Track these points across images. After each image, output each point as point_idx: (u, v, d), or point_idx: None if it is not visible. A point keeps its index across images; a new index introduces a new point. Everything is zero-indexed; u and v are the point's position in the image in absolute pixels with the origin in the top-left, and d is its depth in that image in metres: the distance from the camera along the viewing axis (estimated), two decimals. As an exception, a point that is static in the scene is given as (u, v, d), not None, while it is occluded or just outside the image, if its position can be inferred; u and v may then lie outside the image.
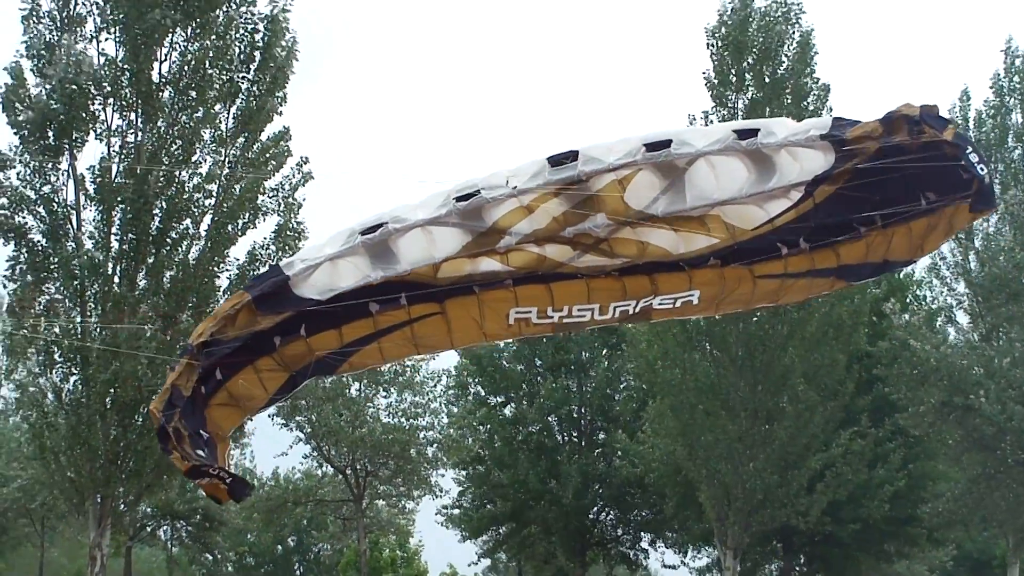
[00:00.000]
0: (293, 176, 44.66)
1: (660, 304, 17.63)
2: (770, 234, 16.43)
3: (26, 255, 41.26)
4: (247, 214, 43.59)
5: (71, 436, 41.45)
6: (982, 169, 14.02)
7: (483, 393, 67.50)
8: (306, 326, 16.64)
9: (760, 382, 49.14)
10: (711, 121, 50.43)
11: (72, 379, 42.11)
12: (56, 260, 41.27)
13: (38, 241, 41.39)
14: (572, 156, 15.94)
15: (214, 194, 43.25)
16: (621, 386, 65.24)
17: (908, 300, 56.07)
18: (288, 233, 44.26)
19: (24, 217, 41.20)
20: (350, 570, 70.26)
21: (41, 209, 41.30)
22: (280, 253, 44.03)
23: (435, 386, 63.57)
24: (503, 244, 16.24)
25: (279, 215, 44.38)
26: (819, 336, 48.53)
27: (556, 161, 15.83)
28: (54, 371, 42.31)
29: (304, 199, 44.82)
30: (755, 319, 48.66)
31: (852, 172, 14.94)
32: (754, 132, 15.31)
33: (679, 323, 49.74)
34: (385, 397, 61.26)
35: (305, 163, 44.66)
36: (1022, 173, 53.55)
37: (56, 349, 41.73)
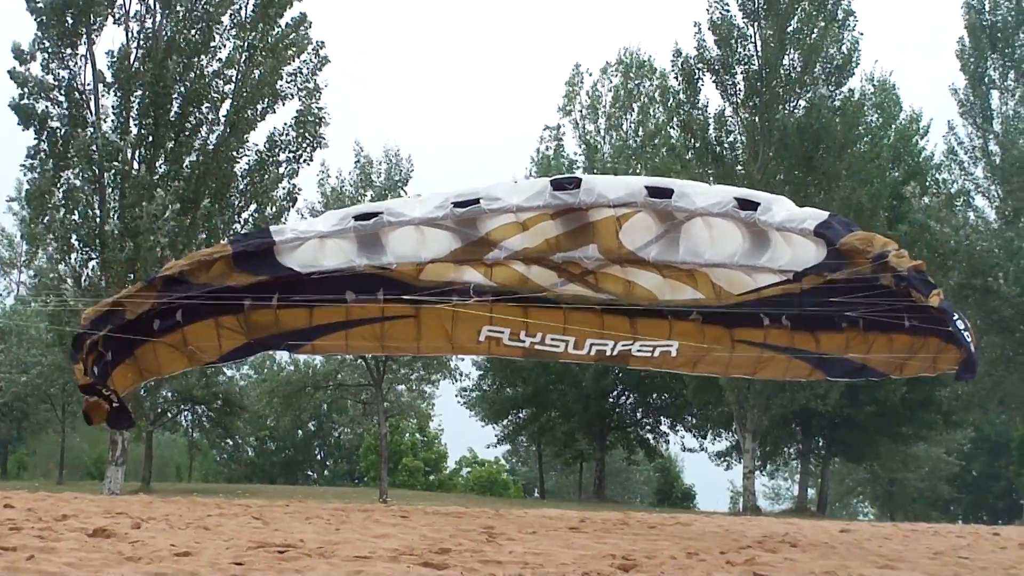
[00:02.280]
0: (311, 61, 44.71)
1: (639, 351, 18.07)
2: (754, 303, 16.69)
3: (47, 142, 41.31)
4: (266, 99, 43.71)
5: (90, 321, 41.49)
6: (968, 338, 13.91)
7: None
8: (279, 298, 16.83)
9: (781, 262, 49.21)
10: (728, 6, 50.73)
11: (91, 264, 42.49)
12: (75, 146, 41.34)
13: (56, 128, 41.53)
14: (575, 183, 16.15)
15: (233, 79, 43.36)
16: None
17: (928, 184, 56.00)
18: (309, 118, 44.39)
19: (44, 104, 41.34)
20: (370, 454, 70.99)
21: (60, 95, 41.64)
22: (300, 140, 44.35)
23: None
24: (491, 257, 16.46)
25: (299, 100, 44.51)
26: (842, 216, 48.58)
27: (559, 184, 16.07)
28: (73, 257, 42.56)
29: (326, 84, 44.94)
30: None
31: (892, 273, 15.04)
32: (754, 205, 15.32)
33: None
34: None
35: (322, 47, 44.78)
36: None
37: (74, 235, 41.90)
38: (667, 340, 17.67)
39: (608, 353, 18.11)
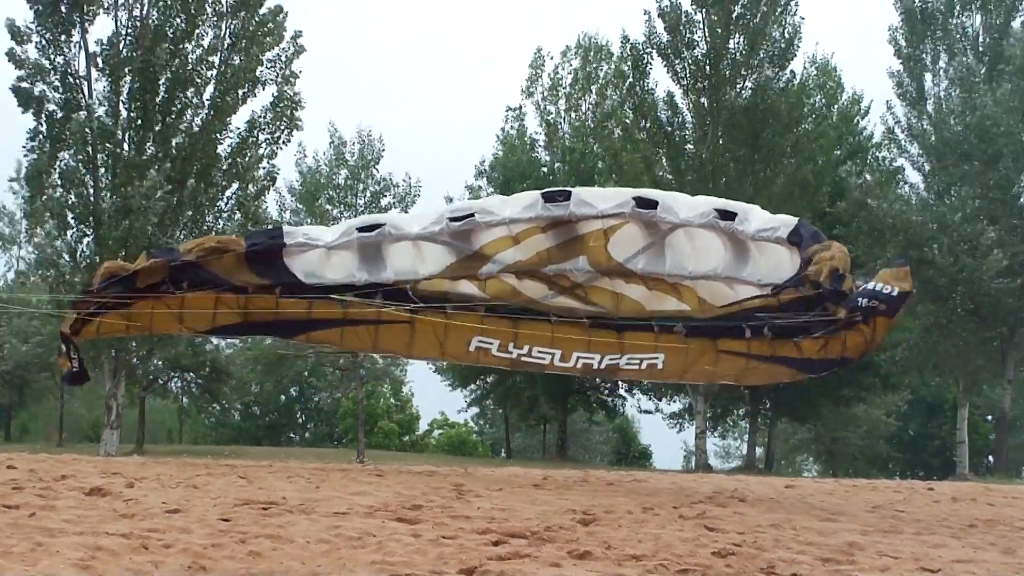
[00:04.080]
0: (288, 49, 44.99)
1: (626, 364, 17.90)
2: (737, 314, 16.61)
3: (44, 124, 41.37)
4: (247, 85, 44.00)
5: (87, 293, 41.66)
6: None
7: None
8: (281, 289, 16.92)
9: (730, 237, 49.37)
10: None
11: (86, 240, 42.55)
12: (70, 128, 41.40)
13: (53, 111, 41.67)
14: (565, 195, 16.26)
15: (216, 65, 43.60)
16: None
17: (869, 160, 56.15)
18: (284, 103, 44.71)
19: (41, 87, 41.61)
20: (348, 417, 70.92)
21: (56, 80, 41.94)
22: (278, 122, 44.64)
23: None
24: (485, 271, 16.50)
25: (277, 86, 44.75)
26: (785, 195, 48.77)
27: (549, 197, 16.16)
28: (69, 233, 42.68)
29: (301, 71, 45.16)
30: (724, 180, 48.99)
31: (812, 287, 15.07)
32: (732, 216, 15.55)
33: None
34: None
35: (299, 37, 45.06)
36: (966, 44, 53.70)
37: (70, 213, 41.93)
38: (653, 353, 17.60)
39: (595, 367, 17.93)
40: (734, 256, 15.75)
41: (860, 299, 13.91)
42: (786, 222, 15.42)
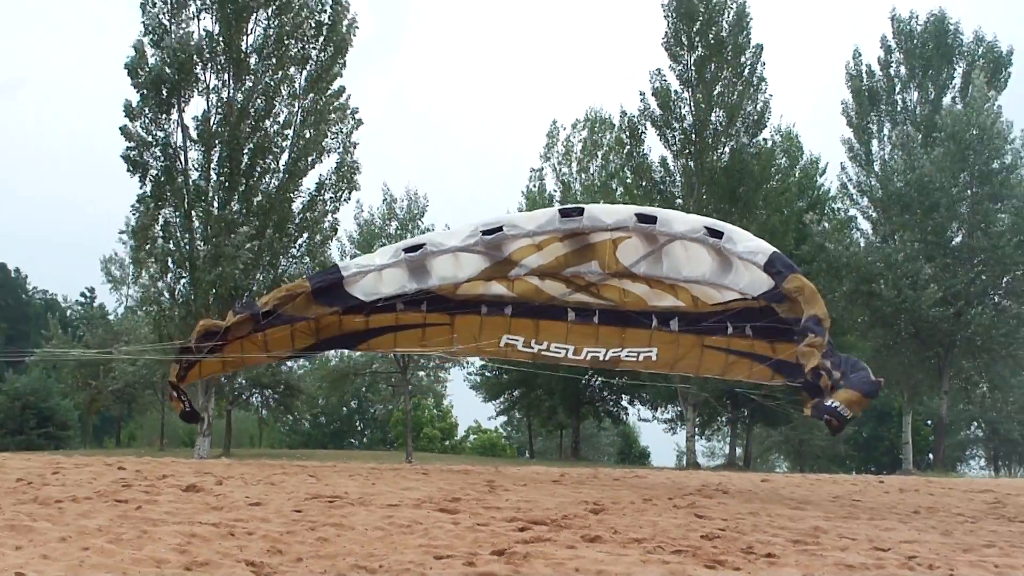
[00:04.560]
0: (349, 123, 45.31)
1: (626, 356, 18.07)
2: (722, 312, 16.77)
3: (149, 187, 41.70)
4: (315, 153, 44.32)
5: (182, 324, 42.06)
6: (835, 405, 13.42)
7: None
8: (347, 310, 17.15)
9: (713, 276, 49.44)
10: (666, 78, 51.00)
11: (182, 281, 42.82)
12: (170, 189, 41.73)
13: (156, 175, 42.02)
14: (579, 211, 16.60)
15: (290, 137, 43.86)
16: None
17: (825, 211, 56.06)
18: (345, 167, 45.08)
19: (146, 156, 41.92)
20: (398, 425, 70.78)
21: (158, 151, 42.15)
22: (340, 183, 44.95)
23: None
24: (513, 273, 16.73)
25: (338, 154, 45.10)
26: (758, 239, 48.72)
27: (565, 213, 16.54)
28: (169, 276, 43.01)
29: (358, 142, 45.50)
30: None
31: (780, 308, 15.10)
32: (720, 234, 15.66)
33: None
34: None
35: (356, 113, 45.46)
36: (906, 116, 54.22)
37: (170, 259, 42.27)
38: (648, 347, 17.65)
39: (601, 358, 18.13)
40: (719, 266, 15.86)
41: (820, 412, 13.53)
42: (764, 250, 15.37)
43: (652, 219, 16.11)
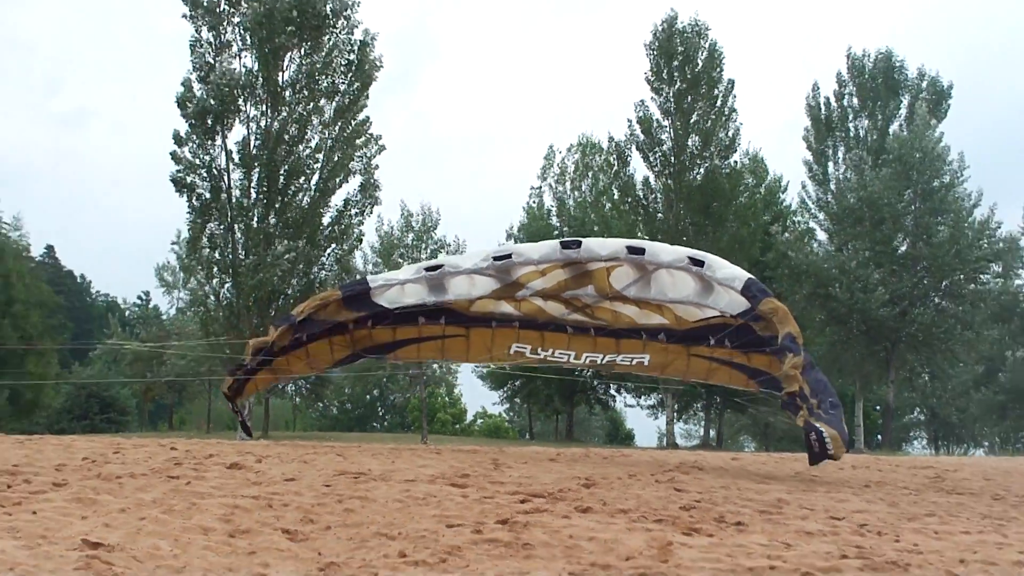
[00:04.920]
0: (372, 147, 45.45)
1: (621, 360, 18.09)
2: (703, 328, 16.85)
3: (197, 204, 41.87)
4: (342, 174, 44.50)
5: (226, 324, 42.21)
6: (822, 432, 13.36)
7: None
8: (372, 321, 17.29)
9: (690, 280, 49.57)
10: (648, 108, 50.99)
11: (226, 286, 43.07)
12: (215, 206, 41.82)
13: (202, 194, 42.17)
14: (577, 244, 16.86)
15: (320, 160, 43.99)
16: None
17: (787, 224, 55.97)
18: (368, 187, 45.32)
19: (192, 178, 42.07)
20: (415, 411, 70.73)
21: (204, 172, 42.27)
22: (364, 199, 45.16)
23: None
24: (520, 294, 16.88)
25: (362, 174, 45.28)
26: (729, 249, 48.78)
27: (566, 245, 16.88)
28: (214, 281, 43.29)
29: (378, 165, 45.69)
30: (685, 239, 49.13)
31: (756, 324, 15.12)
32: (701, 263, 15.82)
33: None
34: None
35: (379, 139, 45.63)
36: (858, 141, 54.52)
37: (215, 267, 42.58)
38: (641, 353, 17.69)
39: (599, 362, 18.11)
40: (702, 288, 15.95)
41: (810, 428, 13.42)
42: (740, 277, 15.48)
43: (641, 251, 16.36)
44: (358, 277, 18.59)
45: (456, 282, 17.28)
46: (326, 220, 44.54)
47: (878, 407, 69.06)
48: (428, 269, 17.31)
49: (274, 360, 17.60)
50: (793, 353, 14.26)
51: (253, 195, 42.73)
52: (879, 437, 63.69)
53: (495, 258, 16.88)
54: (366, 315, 17.46)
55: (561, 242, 16.98)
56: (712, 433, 67.95)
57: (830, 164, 55.24)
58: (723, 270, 15.74)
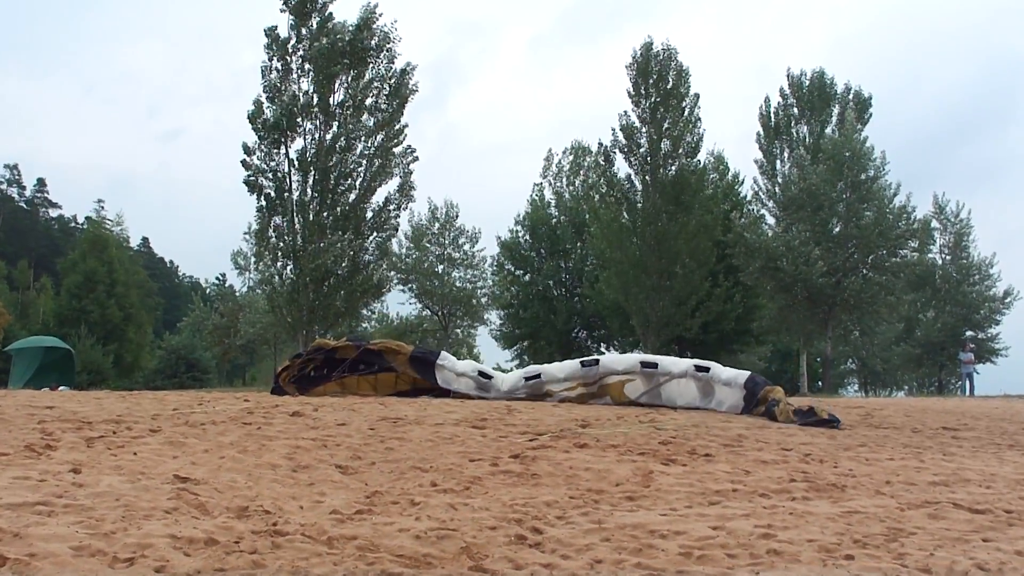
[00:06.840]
0: (408, 156, 45.39)
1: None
2: None
3: (264, 203, 41.97)
4: (383, 176, 44.52)
5: (289, 299, 42.26)
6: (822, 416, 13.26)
7: (512, 268, 67.28)
8: (423, 378, 16.64)
9: (664, 257, 49.56)
10: (630, 117, 50.83)
11: (288, 268, 43.04)
12: (279, 203, 41.88)
13: (268, 194, 42.34)
14: (595, 362, 16.15)
15: (364, 166, 44.02)
16: (588, 261, 64.86)
17: (743, 211, 55.69)
18: (405, 188, 45.31)
19: (261, 180, 42.22)
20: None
21: (270, 175, 42.47)
22: (400, 196, 45.12)
23: (486, 265, 63.79)
24: (549, 401, 16.22)
25: (399, 177, 45.19)
26: (696, 231, 48.99)
27: (585, 363, 16.08)
28: (279, 264, 43.37)
29: (413, 170, 45.55)
30: (660, 224, 49.19)
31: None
32: (707, 370, 15.27)
33: (618, 224, 50.25)
34: (459, 273, 61.39)
35: (414, 152, 45.48)
36: (800, 142, 54.49)
37: (279, 253, 42.79)
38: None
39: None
40: (703, 392, 15.40)
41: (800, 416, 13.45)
42: (742, 375, 15.16)
43: (654, 365, 15.81)
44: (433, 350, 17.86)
45: (497, 388, 16.49)
46: (369, 214, 44.34)
47: (819, 359, 69.13)
48: (481, 374, 16.80)
49: (345, 376, 17.04)
50: (769, 386, 14.65)
51: (309, 194, 42.68)
52: (820, 383, 63.80)
53: (527, 378, 16.38)
54: (420, 381, 17.07)
55: (581, 361, 16.30)
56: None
57: (777, 162, 55.10)
58: (726, 372, 15.32)
